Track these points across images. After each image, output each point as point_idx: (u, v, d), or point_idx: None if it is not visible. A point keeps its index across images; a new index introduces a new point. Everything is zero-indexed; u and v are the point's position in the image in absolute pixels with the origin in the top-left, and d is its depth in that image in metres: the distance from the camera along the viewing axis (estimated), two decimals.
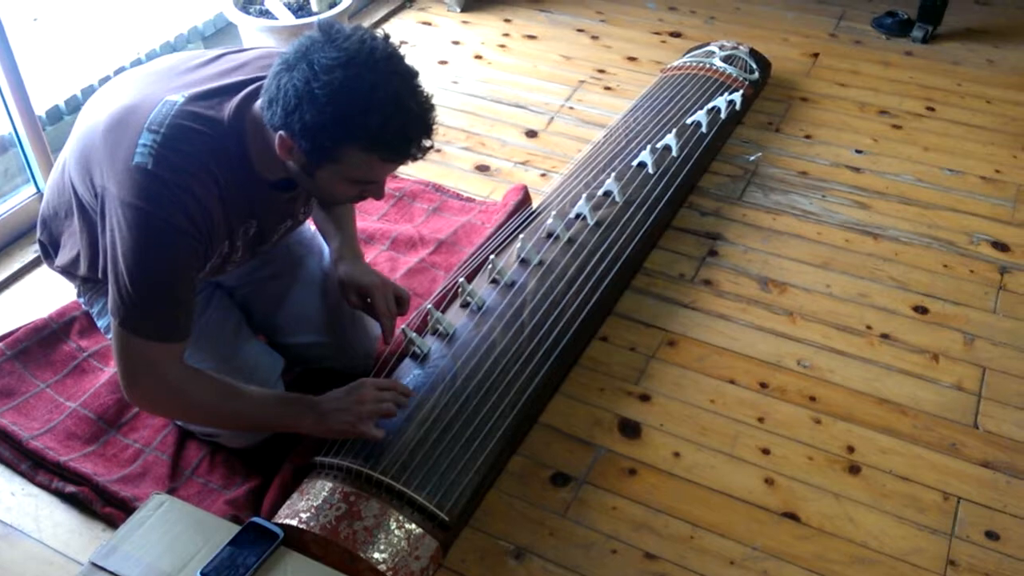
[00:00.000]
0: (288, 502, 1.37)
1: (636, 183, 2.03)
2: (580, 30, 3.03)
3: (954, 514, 1.50)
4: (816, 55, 2.89)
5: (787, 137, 2.47)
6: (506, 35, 2.99)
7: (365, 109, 1.14)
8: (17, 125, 1.97)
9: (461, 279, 1.71)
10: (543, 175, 2.31)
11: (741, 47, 2.65)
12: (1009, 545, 1.45)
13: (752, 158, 2.37)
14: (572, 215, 1.92)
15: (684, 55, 2.71)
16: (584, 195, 1.95)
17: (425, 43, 2.92)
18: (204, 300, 1.52)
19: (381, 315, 1.54)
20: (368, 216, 2.11)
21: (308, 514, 1.33)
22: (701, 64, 2.55)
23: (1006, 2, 3.25)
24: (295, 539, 1.32)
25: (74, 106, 2.21)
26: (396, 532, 1.32)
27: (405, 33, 2.97)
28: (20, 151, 2.03)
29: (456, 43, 2.93)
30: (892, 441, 1.62)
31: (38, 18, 2.46)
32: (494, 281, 1.75)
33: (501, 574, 1.40)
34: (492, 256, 1.77)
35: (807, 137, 2.47)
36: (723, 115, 2.34)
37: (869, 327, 1.86)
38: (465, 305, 1.70)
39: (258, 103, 1.23)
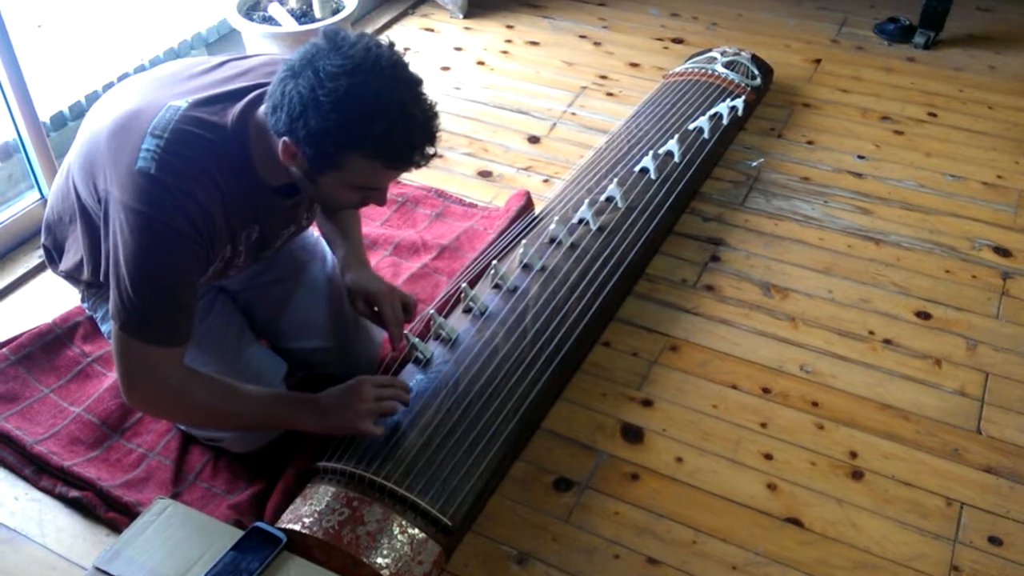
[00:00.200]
0: (291, 507, 1.37)
1: (638, 189, 2.03)
2: (582, 36, 3.04)
3: (957, 519, 1.50)
4: (818, 61, 2.89)
5: (789, 143, 2.47)
6: (508, 41, 2.99)
7: (370, 117, 1.14)
8: (21, 131, 1.97)
9: (464, 284, 1.72)
10: (545, 181, 2.31)
11: (743, 53, 2.66)
12: (1012, 550, 1.45)
13: (754, 164, 2.38)
14: (575, 220, 1.92)
15: (686, 61, 2.71)
16: (586, 201, 1.95)
17: (428, 49, 2.93)
18: (207, 304, 1.52)
19: (388, 322, 1.54)
20: (371, 222, 2.11)
21: (311, 519, 1.33)
22: (703, 70, 2.56)
23: (1008, 8, 3.26)
24: (298, 544, 1.32)
25: (78, 112, 2.22)
26: (399, 537, 1.32)
27: (408, 39, 2.98)
28: (24, 157, 2.03)
29: (458, 49, 2.94)
30: (895, 446, 1.62)
31: (42, 24, 2.47)
32: (497, 286, 1.75)
33: None
34: (495, 261, 1.78)
35: (809, 143, 2.47)
36: (725, 121, 2.34)
37: (871, 332, 1.86)
38: (468, 310, 1.70)
39: (262, 109, 1.24)
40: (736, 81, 2.51)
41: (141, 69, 2.39)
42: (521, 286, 1.74)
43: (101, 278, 1.35)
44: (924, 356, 1.81)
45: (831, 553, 1.44)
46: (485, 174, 2.34)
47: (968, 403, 1.71)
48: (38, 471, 1.52)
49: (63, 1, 2.57)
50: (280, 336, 1.63)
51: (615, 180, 2.03)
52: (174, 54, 2.51)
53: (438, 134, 1.21)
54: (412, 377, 1.56)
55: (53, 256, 1.52)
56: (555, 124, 2.55)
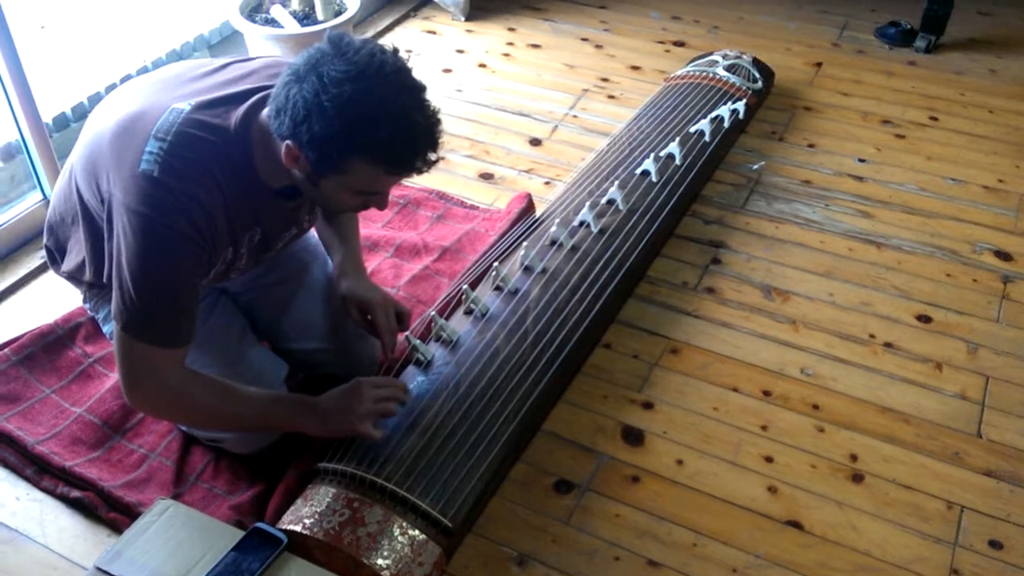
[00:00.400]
0: (292, 508, 1.38)
1: (640, 191, 2.04)
2: (584, 39, 3.04)
3: (957, 523, 1.50)
4: (819, 65, 2.89)
5: (790, 146, 2.48)
6: (510, 44, 3.00)
7: (373, 122, 1.15)
8: (24, 132, 1.98)
9: (465, 286, 1.72)
10: (547, 183, 2.31)
11: (744, 56, 2.66)
12: (1012, 554, 1.45)
13: (755, 167, 2.38)
14: (576, 223, 1.92)
15: (687, 64, 2.72)
16: (588, 203, 1.96)
17: (429, 52, 2.93)
18: (208, 306, 1.53)
19: (382, 331, 1.54)
20: (372, 223, 2.12)
21: (312, 520, 1.33)
22: (704, 73, 2.56)
23: (1009, 12, 3.26)
24: (299, 545, 1.33)
25: (81, 113, 2.22)
26: (399, 538, 1.32)
27: (410, 42, 2.99)
28: (27, 158, 2.04)
29: (460, 52, 2.94)
30: (895, 450, 1.62)
31: (45, 25, 2.48)
32: (498, 288, 1.75)
33: None
34: (496, 263, 1.78)
35: (810, 146, 2.48)
36: (726, 124, 2.34)
37: (872, 336, 1.86)
38: (469, 312, 1.70)
39: (265, 112, 1.24)
40: (737, 84, 2.52)
41: (144, 71, 2.39)
42: (522, 288, 1.74)
43: (104, 279, 1.35)
44: (925, 360, 1.81)
45: (831, 556, 1.44)
46: (486, 176, 2.34)
47: (969, 407, 1.71)
48: (39, 471, 1.52)
49: (66, 2, 2.57)
50: (281, 337, 1.63)
51: (616, 182, 2.03)
52: (176, 56, 2.51)
53: (441, 140, 1.22)
54: (413, 379, 1.56)
55: (55, 257, 1.52)
56: (556, 127, 2.56)
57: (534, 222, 2.01)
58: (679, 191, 2.09)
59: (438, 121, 1.21)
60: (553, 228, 1.88)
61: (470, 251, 2.02)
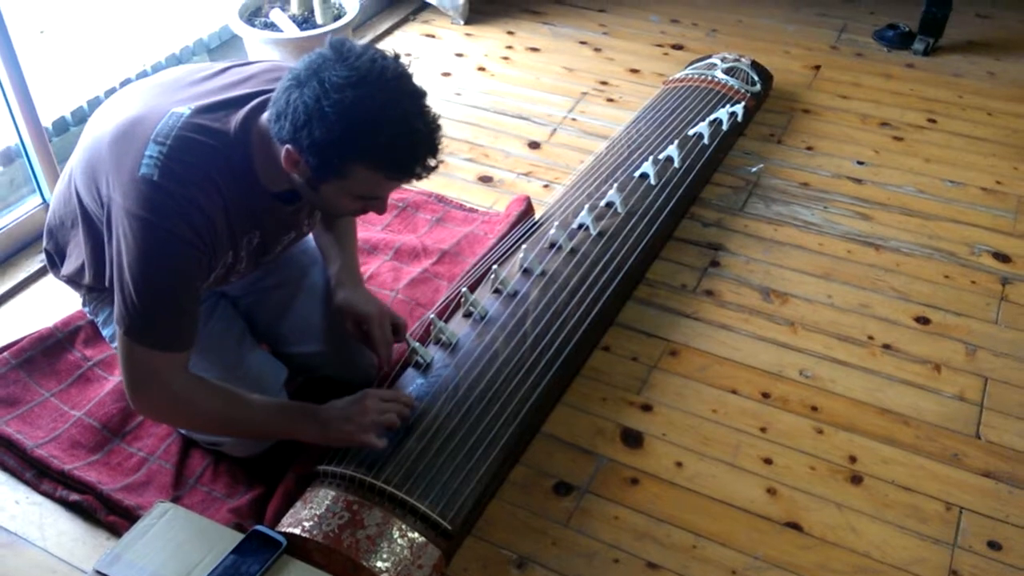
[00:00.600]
0: (291, 510, 1.38)
1: (638, 194, 2.04)
2: (583, 42, 3.05)
3: (956, 524, 1.50)
4: (818, 67, 2.90)
5: (789, 149, 2.48)
6: (509, 47, 3.00)
7: (374, 128, 1.15)
8: (23, 136, 1.98)
9: (464, 289, 1.72)
10: (546, 186, 2.32)
11: (743, 59, 2.67)
12: (1011, 555, 1.45)
13: (754, 169, 2.38)
14: (574, 225, 1.93)
15: (686, 67, 2.72)
16: (586, 206, 1.96)
17: (429, 55, 2.94)
18: (208, 309, 1.53)
19: (377, 344, 1.53)
20: (371, 226, 2.12)
21: (311, 522, 1.33)
22: (703, 76, 2.57)
23: (1007, 15, 3.27)
24: (298, 547, 1.33)
25: (80, 117, 2.23)
26: (399, 541, 1.32)
27: (409, 45, 2.99)
28: (26, 162, 2.04)
29: (459, 55, 2.95)
30: (894, 451, 1.62)
31: (45, 30, 2.48)
32: (497, 291, 1.75)
33: None
34: (495, 266, 1.78)
35: (809, 149, 2.48)
36: (725, 127, 2.35)
37: (871, 337, 1.86)
38: (468, 315, 1.70)
39: (265, 116, 1.25)
40: (736, 87, 2.52)
41: (143, 75, 2.39)
42: (521, 291, 1.75)
43: (105, 283, 1.36)
44: (923, 361, 1.81)
45: (831, 557, 1.44)
46: (486, 179, 2.34)
47: (967, 408, 1.71)
48: (39, 475, 1.52)
49: (66, 6, 2.57)
50: (281, 341, 1.63)
51: (615, 185, 2.04)
52: (176, 60, 2.52)
53: (441, 146, 1.22)
54: (412, 381, 1.56)
55: (55, 260, 1.52)
56: (555, 130, 2.56)
57: (533, 225, 2.01)
58: (678, 194, 2.09)
59: (438, 127, 1.22)
60: (552, 231, 1.88)
61: (469, 254, 2.03)
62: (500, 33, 3.09)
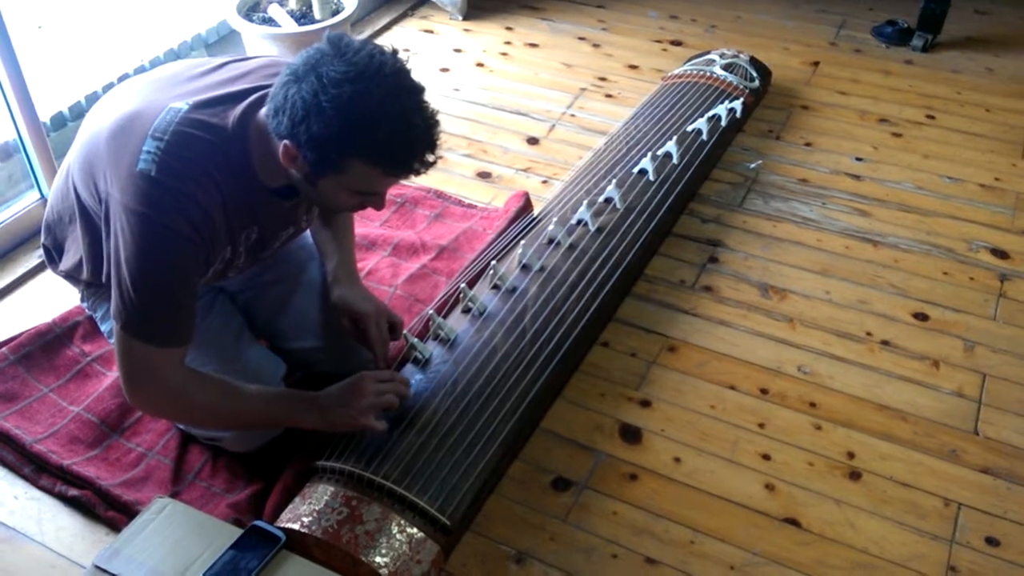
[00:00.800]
0: (290, 506, 1.38)
1: (637, 190, 2.04)
2: (581, 38, 3.04)
3: (954, 520, 1.50)
4: (816, 63, 2.90)
5: (787, 145, 2.48)
6: (508, 43, 3.00)
7: (372, 124, 1.15)
8: (21, 131, 1.98)
9: (463, 285, 1.72)
10: (544, 182, 2.32)
11: (741, 55, 2.67)
12: (1010, 551, 1.45)
13: (753, 165, 2.38)
14: (573, 221, 1.93)
15: (685, 63, 2.72)
16: (585, 202, 1.96)
17: (427, 51, 2.93)
18: (206, 305, 1.53)
19: (373, 342, 1.53)
20: (370, 222, 2.12)
21: (310, 518, 1.33)
22: (702, 72, 2.57)
23: (1006, 11, 3.27)
24: (297, 543, 1.33)
25: (78, 112, 2.22)
26: (398, 536, 1.32)
27: (407, 41, 2.99)
28: (24, 157, 2.04)
29: (458, 51, 2.94)
30: (892, 447, 1.63)
31: (43, 25, 2.48)
32: (495, 287, 1.75)
33: None
34: (493, 262, 1.78)
35: (807, 145, 2.48)
36: (723, 123, 2.35)
37: (869, 334, 1.86)
38: (467, 311, 1.70)
39: (263, 111, 1.25)
40: (734, 83, 2.52)
41: (141, 70, 2.39)
42: (520, 286, 1.75)
43: (103, 279, 1.35)
44: (922, 357, 1.81)
45: (829, 553, 1.45)
46: (484, 175, 2.34)
47: (965, 404, 1.71)
48: (37, 470, 1.52)
49: (63, 2, 2.57)
50: (279, 336, 1.63)
51: (614, 181, 2.04)
52: (174, 55, 2.51)
53: (439, 142, 1.22)
54: (411, 377, 1.56)
55: (53, 256, 1.52)
56: (554, 125, 2.56)
57: (532, 221, 2.01)
58: (676, 190, 2.09)
59: (436, 123, 1.22)
60: (551, 227, 1.88)
61: (468, 250, 2.03)
62: (499, 29, 3.09)
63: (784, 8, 3.27)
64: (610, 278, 1.82)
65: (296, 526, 1.32)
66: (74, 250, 1.44)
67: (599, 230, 1.91)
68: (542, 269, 1.79)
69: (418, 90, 1.20)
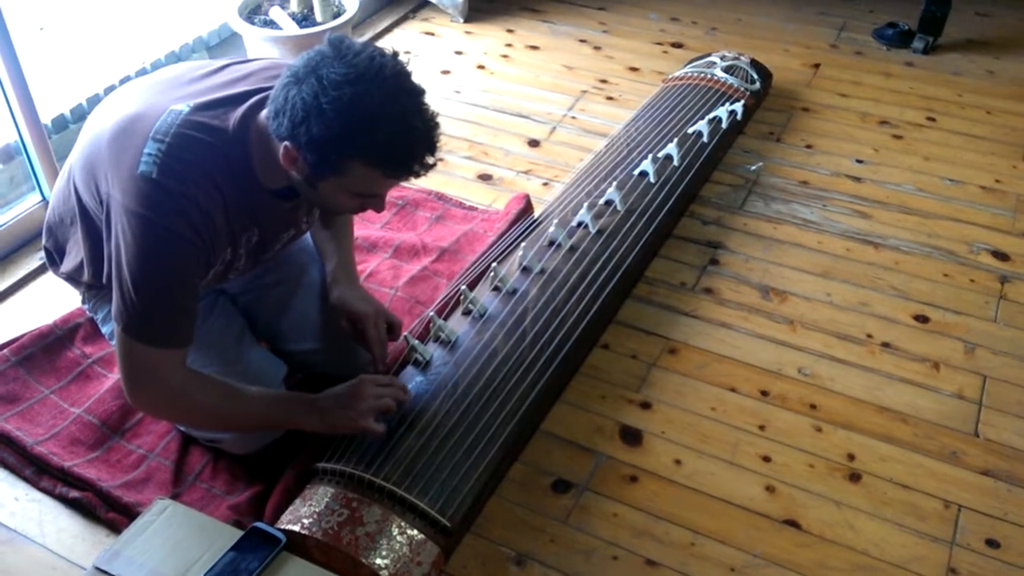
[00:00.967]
0: (291, 507, 1.38)
1: (637, 192, 2.04)
2: (582, 40, 3.05)
3: (955, 522, 1.50)
4: (817, 66, 2.90)
5: (788, 147, 2.48)
6: (508, 45, 3.00)
7: (372, 126, 1.15)
8: (23, 133, 1.98)
9: (463, 287, 1.72)
10: (545, 184, 2.32)
11: (742, 58, 2.67)
12: (1010, 553, 1.45)
13: (753, 168, 2.38)
14: (574, 223, 1.93)
15: (685, 65, 2.72)
16: (586, 204, 1.96)
17: (428, 53, 2.94)
18: (207, 307, 1.53)
19: (371, 344, 1.54)
20: (371, 224, 2.12)
21: (310, 519, 1.33)
22: (702, 74, 2.57)
23: (1007, 13, 3.27)
24: (297, 544, 1.33)
25: (79, 115, 2.23)
26: (398, 538, 1.32)
27: (408, 43, 2.99)
28: (26, 159, 2.04)
29: (459, 53, 2.95)
30: (893, 449, 1.62)
31: (44, 27, 2.48)
32: (496, 289, 1.76)
33: None
34: (494, 264, 1.78)
35: (808, 147, 2.48)
36: (724, 125, 2.35)
37: (870, 336, 1.86)
38: (467, 313, 1.71)
39: (263, 113, 1.25)
40: (735, 85, 2.52)
41: (142, 72, 2.39)
42: (520, 288, 1.75)
43: (104, 280, 1.36)
44: (922, 359, 1.81)
45: (829, 555, 1.45)
46: (485, 177, 2.34)
47: (966, 406, 1.71)
48: (38, 472, 1.52)
49: (65, 4, 2.57)
50: (280, 338, 1.63)
51: (614, 183, 2.04)
52: (175, 57, 2.52)
53: (439, 144, 1.22)
54: (411, 379, 1.56)
55: (54, 258, 1.52)
56: (555, 128, 2.56)
57: (532, 223, 2.01)
58: (677, 192, 2.09)
59: (436, 125, 1.22)
60: (551, 229, 1.88)
61: (468, 252, 2.03)
62: (500, 31, 3.09)
63: (785, 10, 3.27)
64: (611, 280, 1.82)
65: (297, 528, 1.32)
66: (75, 252, 1.45)
67: (600, 232, 1.91)
68: (543, 271, 1.79)
69: (418, 92, 1.21)
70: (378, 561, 1.29)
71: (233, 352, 1.52)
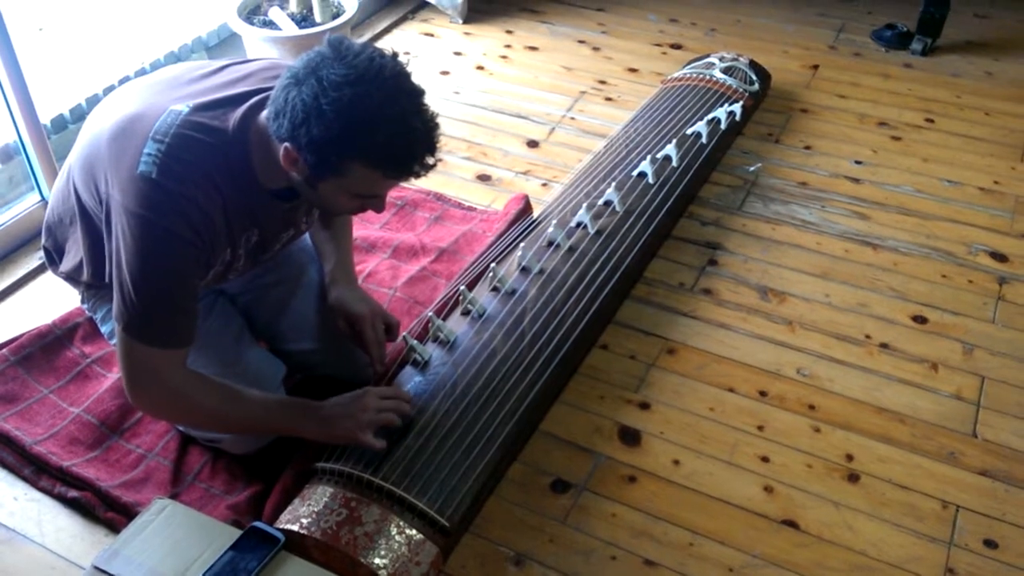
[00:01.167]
0: (289, 507, 1.38)
1: (636, 193, 2.04)
2: (581, 41, 3.05)
3: (953, 522, 1.51)
4: (816, 67, 2.90)
5: (787, 148, 2.48)
6: (508, 46, 3.01)
7: (372, 127, 1.16)
8: (22, 133, 1.98)
9: (462, 287, 1.72)
10: (544, 185, 2.32)
11: (741, 59, 2.67)
12: (1008, 553, 1.46)
13: (752, 169, 2.39)
14: (573, 224, 1.93)
15: (684, 66, 2.72)
16: (585, 204, 1.96)
17: (427, 54, 2.94)
18: (207, 307, 1.53)
19: (369, 344, 1.54)
20: (370, 224, 2.12)
21: (309, 519, 1.33)
22: (701, 75, 2.57)
23: (1005, 15, 3.27)
24: (296, 544, 1.33)
25: (79, 115, 2.23)
26: (397, 538, 1.32)
27: (408, 44, 2.99)
28: (25, 159, 2.04)
29: (458, 54, 2.95)
30: (891, 450, 1.63)
31: (44, 27, 2.48)
32: (495, 289, 1.76)
33: None
34: (493, 264, 1.79)
35: (807, 148, 2.49)
36: (723, 126, 2.35)
37: (868, 336, 1.87)
38: (466, 313, 1.71)
39: (263, 114, 1.25)
40: (734, 86, 2.53)
41: (142, 72, 2.40)
42: (519, 289, 1.75)
43: (103, 280, 1.36)
44: (920, 360, 1.81)
45: (827, 555, 1.45)
46: (484, 178, 2.35)
47: (964, 407, 1.72)
48: (37, 471, 1.52)
49: (64, 4, 2.58)
50: (279, 338, 1.63)
51: (613, 184, 2.04)
52: (175, 58, 2.52)
53: (438, 145, 1.23)
54: (410, 379, 1.56)
55: (53, 257, 1.53)
56: (554, 128, 2.56)
57: (531, 223, 2.01)
58: (676, 193, 2.09)
59: (436, 126, 1.22)
60: (550, 229, 1.89)
61: (467, 252, 2.03)
62: (499, 32, 3.10)
63: (784, 12, 3.27)
64: (609, 281, 1.82)
65: (295, 527, 1.33)
66: (74, 252, 1.45)
67: (598, 233, 1.91)
68: (541, 271, 1.80)
69: (418, 93, 1.21)
70: (377, 561, 1.29)
71: (232, 352, 1.52)
